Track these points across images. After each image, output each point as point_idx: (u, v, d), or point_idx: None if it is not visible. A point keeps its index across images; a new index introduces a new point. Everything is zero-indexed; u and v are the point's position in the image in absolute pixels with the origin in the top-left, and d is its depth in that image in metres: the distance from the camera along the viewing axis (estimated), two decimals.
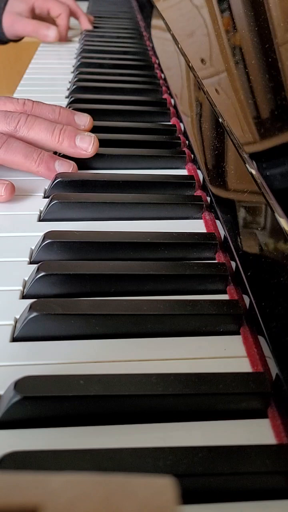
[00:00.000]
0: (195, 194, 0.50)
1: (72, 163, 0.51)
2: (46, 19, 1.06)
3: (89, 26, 1.11)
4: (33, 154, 0.49)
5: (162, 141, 0.60)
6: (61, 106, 0.55)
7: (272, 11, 0.44)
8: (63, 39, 1.06)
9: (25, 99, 0.54)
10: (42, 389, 0.28)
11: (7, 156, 0.48)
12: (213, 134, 0.51)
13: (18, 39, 1.11)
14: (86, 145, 0.51)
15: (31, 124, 0.50)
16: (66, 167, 0.50)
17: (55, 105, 0.55)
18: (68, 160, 0.51)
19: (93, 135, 0.52)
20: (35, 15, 1.05)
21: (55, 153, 0.53)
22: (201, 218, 0.46)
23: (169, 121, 0.68)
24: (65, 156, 0.52)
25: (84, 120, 0.55)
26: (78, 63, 0.88)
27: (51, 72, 0.89)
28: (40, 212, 0.47)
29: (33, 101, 0.54)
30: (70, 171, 0.51)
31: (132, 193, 0.49)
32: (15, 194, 0.49)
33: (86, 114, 0.56)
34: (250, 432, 0.28)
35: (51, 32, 1.00)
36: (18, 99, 0.54)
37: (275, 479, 0.25)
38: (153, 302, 0.35)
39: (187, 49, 0.65)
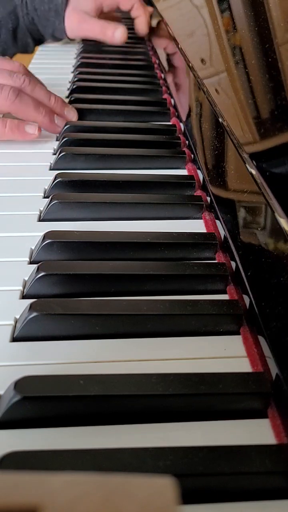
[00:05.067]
0: (195, 194, 0.50)
1: (64, 120, 0.63)
2: (113, 17, 0.98)
3: (145, 30, 0.98)
4: (39, 107, 0.60)
5: (162, 141, 0.60)
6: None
7: (272, 11, 0.44)
8: (144, 32, 0.97)
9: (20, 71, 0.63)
10: (42, 389, 0.28)
11: (19, 106, 0.59)
12: (213, 134, 0.51)
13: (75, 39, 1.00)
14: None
15: (34, 85, 0.62)
16: (61, 122, 0.62)
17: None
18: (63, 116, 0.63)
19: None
20: (102, 14, 0.95)
21: None
22: (201, 218, 0.46)
23: (169, 121, 0.68)
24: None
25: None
26: (78, 63, 0.88)
27: (51, 72, 0.89)
28: (40, 212, 0.47)
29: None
30: (63, 125, 0.62)
31: (132, 193, 0.49)
32: (15, 193, 0.50)
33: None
34: (250, 432, 0.28)
35: (118, 33, 0.90)
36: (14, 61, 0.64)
37: (275, 479, 0.25)
38: (153, 302, 0.35)
39: (187, 49, 0.65)
